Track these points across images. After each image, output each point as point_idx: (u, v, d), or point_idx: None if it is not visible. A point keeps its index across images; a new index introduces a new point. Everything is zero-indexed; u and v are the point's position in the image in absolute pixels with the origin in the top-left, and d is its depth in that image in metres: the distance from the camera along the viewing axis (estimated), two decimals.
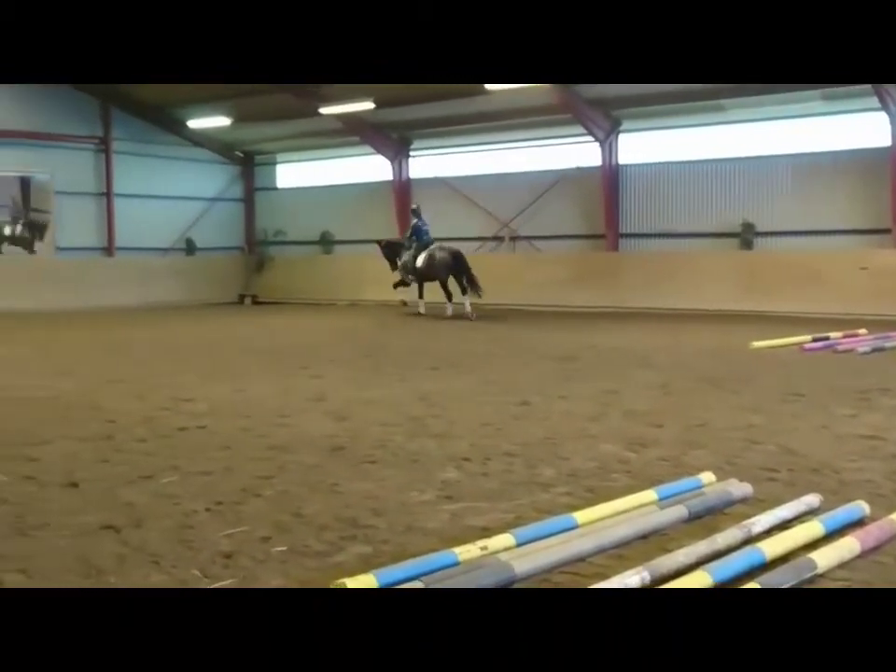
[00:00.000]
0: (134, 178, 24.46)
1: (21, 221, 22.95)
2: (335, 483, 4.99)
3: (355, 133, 23.56)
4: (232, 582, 3.48)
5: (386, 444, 5.98)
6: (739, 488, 4.57)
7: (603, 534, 3.84)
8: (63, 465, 5.45)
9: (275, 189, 27.56)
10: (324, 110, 21.82)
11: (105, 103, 23.94)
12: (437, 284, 18.23)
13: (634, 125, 20.85)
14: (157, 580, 3.51)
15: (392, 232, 21.82)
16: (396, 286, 19.58)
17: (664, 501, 4.31)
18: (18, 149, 22.36)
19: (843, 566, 3.54)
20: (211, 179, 26.77)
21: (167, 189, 25.25)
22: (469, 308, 17.66)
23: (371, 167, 24.88)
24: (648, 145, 20.86)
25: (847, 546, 3.63)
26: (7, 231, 22.79)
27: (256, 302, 24.99)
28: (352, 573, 3.34)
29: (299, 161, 27.00)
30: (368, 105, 21.10)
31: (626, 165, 21.06)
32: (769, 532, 3.90)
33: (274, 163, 27.53)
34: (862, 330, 13.40)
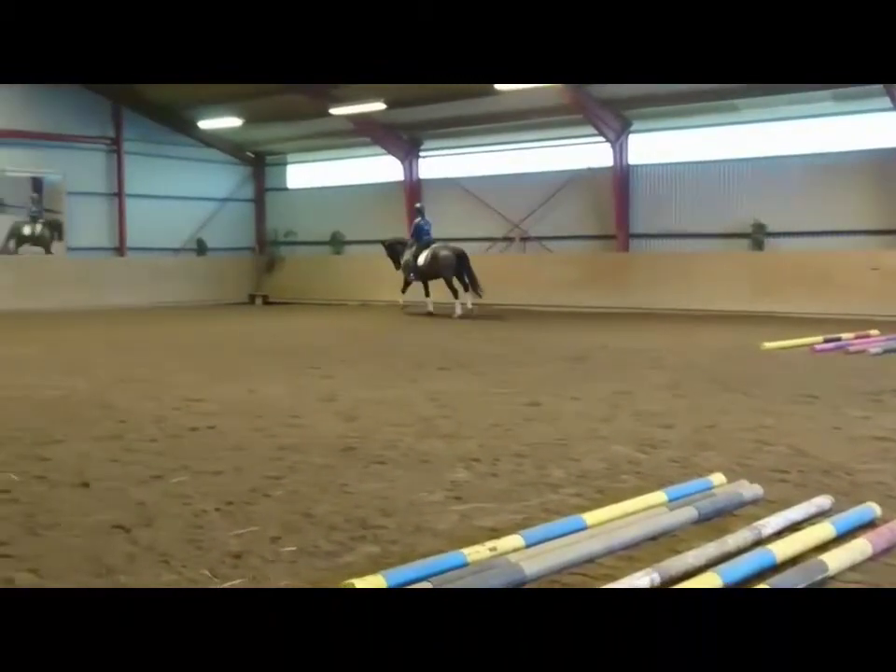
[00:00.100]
0: (145, 179, 24.56)
1: (41, 221, 23.00)
2: (345, 483, 4.99)
3: (365, 133, 23.60)
4: (242, 582, 3.48)
5: (396, 445, 5.98)
6: (750, 490, 4.55)
7: (612, 535, 3.82)
8: (74, 464, 5.47)
9: (286, 189, 27.62)
10: (335, 111, 21.86)
11: (116, 103, 24.05)
12: (440, 282, 18.47)
13: (645, 125, 20.82)
14: (167, 579, 3.52)
15: (402, 233, 21.83)
16: (404, 290, 19.65)
17: (673, 503, 4.30)
18: (29, 150, 22.49)
19: (854, 568, 3.52)
20: (222, 180, 26.86)
21: (178, 190, 25.35)
22: (470, 305, 18.25)
23: (381, 168, 24.93)
24: (659, 145, 20.84)
25: (859, 548, 3.61)
26: (27, 230, 22.84)
27: (267, 303, 25.04)
28: (361, 573, 3.33)
29: (309, 161, 27.06)
30: (379, 106, 21.14)
31: (637, 165, 21.03)
32: (779, 534, 3.88)
33: (285, 164, 27.59)
34: (874, 331, 13.34)
